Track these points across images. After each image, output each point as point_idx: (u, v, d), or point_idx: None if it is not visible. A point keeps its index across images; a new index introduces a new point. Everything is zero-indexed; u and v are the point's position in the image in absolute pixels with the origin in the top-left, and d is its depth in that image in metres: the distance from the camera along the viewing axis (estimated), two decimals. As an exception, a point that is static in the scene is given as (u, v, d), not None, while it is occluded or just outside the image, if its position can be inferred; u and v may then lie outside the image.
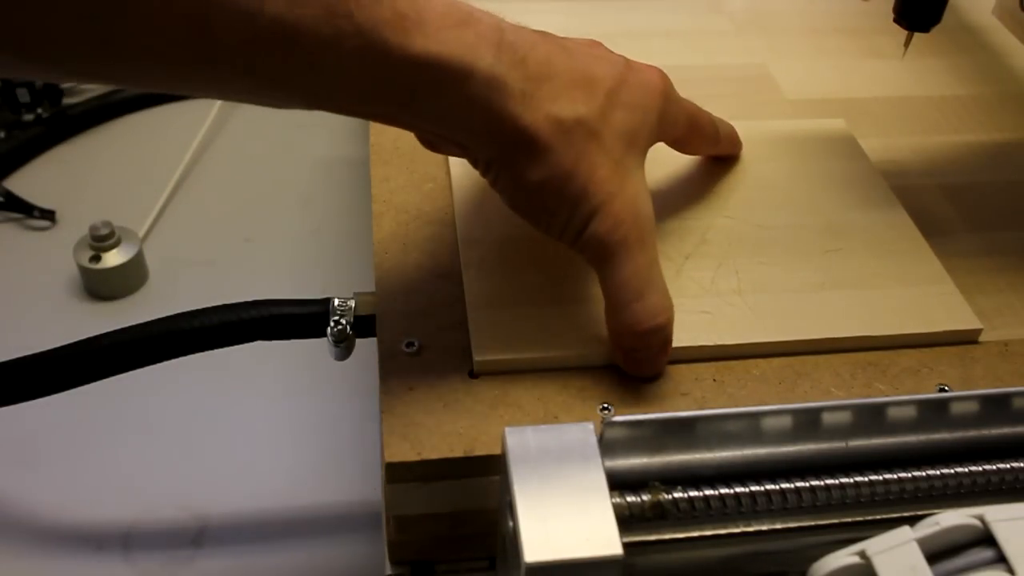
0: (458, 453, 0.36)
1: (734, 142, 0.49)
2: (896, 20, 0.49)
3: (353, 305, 0.44)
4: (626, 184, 0.38)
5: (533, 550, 0.29)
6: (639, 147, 0.39)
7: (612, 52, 0.41)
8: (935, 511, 0.31)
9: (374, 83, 0.34)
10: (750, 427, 0.34)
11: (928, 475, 0.34)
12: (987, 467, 0.34)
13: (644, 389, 0.39)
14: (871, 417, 0.34)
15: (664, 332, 0.38)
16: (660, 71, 0.41)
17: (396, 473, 0.35)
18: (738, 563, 0.34)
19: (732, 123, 0.48)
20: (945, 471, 0.34)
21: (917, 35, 0.50)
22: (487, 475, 0.36)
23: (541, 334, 0.40)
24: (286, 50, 0.32)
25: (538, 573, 0.29)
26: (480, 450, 0.36)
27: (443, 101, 0.35)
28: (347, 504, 0.50)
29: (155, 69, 0.33)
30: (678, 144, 0.45)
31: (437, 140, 0.39)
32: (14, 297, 0.61)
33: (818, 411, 0.34)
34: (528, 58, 0.36)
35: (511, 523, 0.31)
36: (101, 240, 0.60)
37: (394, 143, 0.50)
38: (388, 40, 0.33)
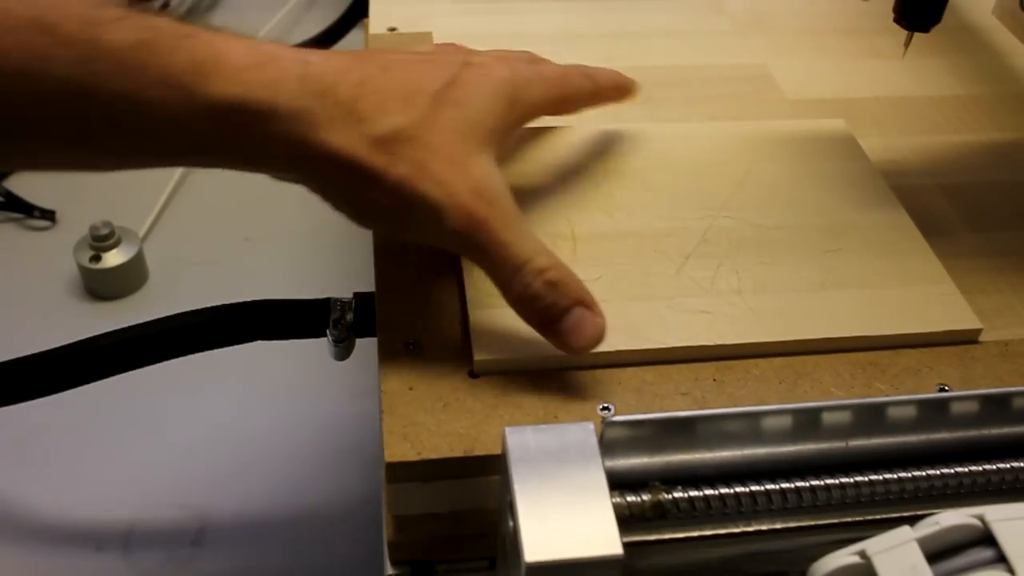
0: (458, 453, 0.36)
1: (620, 88, 0.48)
2: (896, 20, 0.49)
3: (353, 305, 0.44)
4: (467, 173, 0.37)
5: (533, 550, 0.29)
6: (479, 138, 0.38)
7: (457, 54, 0.41)
8: (935, 511, 0.31)
9: (181, 132, 0.35)
10: (750, 427, 0.34)
11: (928, 475, 0.34)
12: (987, 467, 0.34)
13: (644, 389, 0.39)
14: (871, 417, 0.34)
15: (560, 287, 0.37)
16: (506, 63, 0.41)
17: (396, 473, 0.35)
18: (738, 563, 0.34)
19: (732, 123, 0.48)
20: (945, 471, 0.34)
21: (917, 35, 0.50)
22: (487, 475, 0.36)
23: (541, 334, 0.40)
24: (81, 108, 0.33)
25: (538, 573, 0.29)
26: (480, 450, 0.36)
27: (254, 142, 0.36)
28: (347, 504, 0.50)
29: None
30: (556, 113, 0.45)
31: (275, 178, 0.39)
32: (14, 297, 0.61)
33: (818, 411, 0.34)
34: (338, 84, 0.36)
35: (511, 523, 0.31)
36: (101, 240, 0.60)
37: (394, 143, 0.50)
38: (188, 87, 0.34)
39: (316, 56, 0.37)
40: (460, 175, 0.37)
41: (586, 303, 0.38)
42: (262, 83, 0.35)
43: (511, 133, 0.41)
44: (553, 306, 0.37)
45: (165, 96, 0.33)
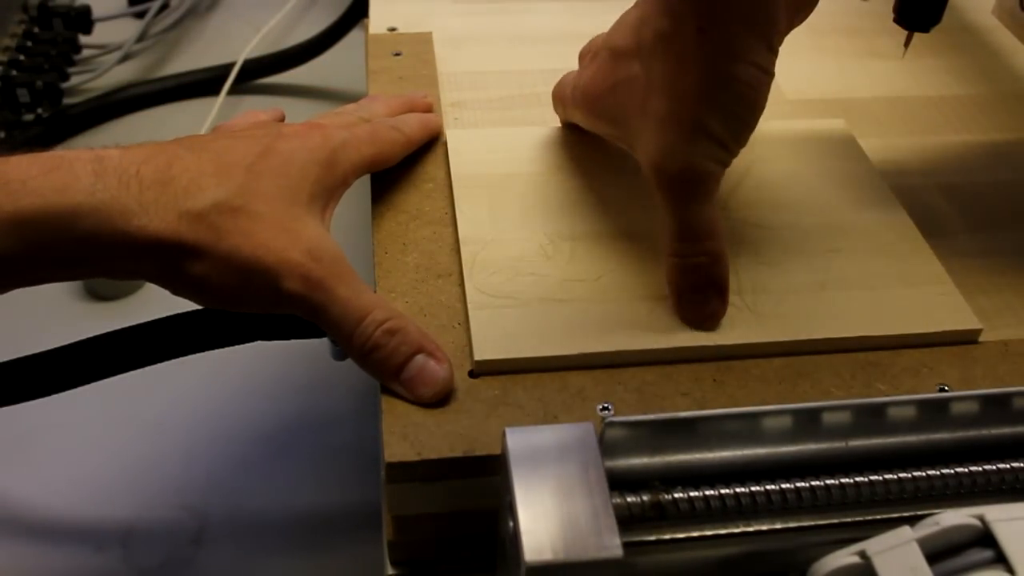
0: (458, 453, 0.36)
1: (429, 131, 0.49)
2: (896, 20, 0.49)
3: (353, 305, 0.44)
4: (297, 236, 0.38)
5: (533, 550, 0.29)
6: (303, 202, 0.39)
7: (266, 128, 0.42)
8: (935, 511, 0.31)
9: None
10: (750, 427, 0.34)
11: (928, 475, 0.34)
12: (987, 467, 0.34)
13: (644, 389, 0.39)
14: (871, 417, 0.34)
15: (400, 334, 0.38)
16: (318, 130, 0.42)
17: (396, 473, 0.35)
18: (738, 563, 0.34)
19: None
20: (945, 471, 0.34)
21: (917, 35, 0.50)
22: (487, 475, 0.36)
23: (541, 334, 0.40)
24: None
25: (538, 573, 0.29)
26: (480, 450, 0.36)
27: (66, 248, 0.35)
28: (347, 504, 0.50)
29: None
30: (374, 169, 0.45)
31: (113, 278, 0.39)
32: (14, 297, 0.60)
33: (818, 411, 0.34)
34: (141, 171, 0.36)
35: (511, 523, 0.31)
36: (101, 240, 0.60)
37: (394, 143, 0.50)
38: None
39: (112, 151, 0.37)
40: (290, 239, 0.38)
41: (427, 350, 0.38)
42: (54, 188, 0.35)
43: (334, 197, 0.41)
44: (394, 354, 0.37)
45: None
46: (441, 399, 0.37)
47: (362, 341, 0.38)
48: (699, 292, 0.40)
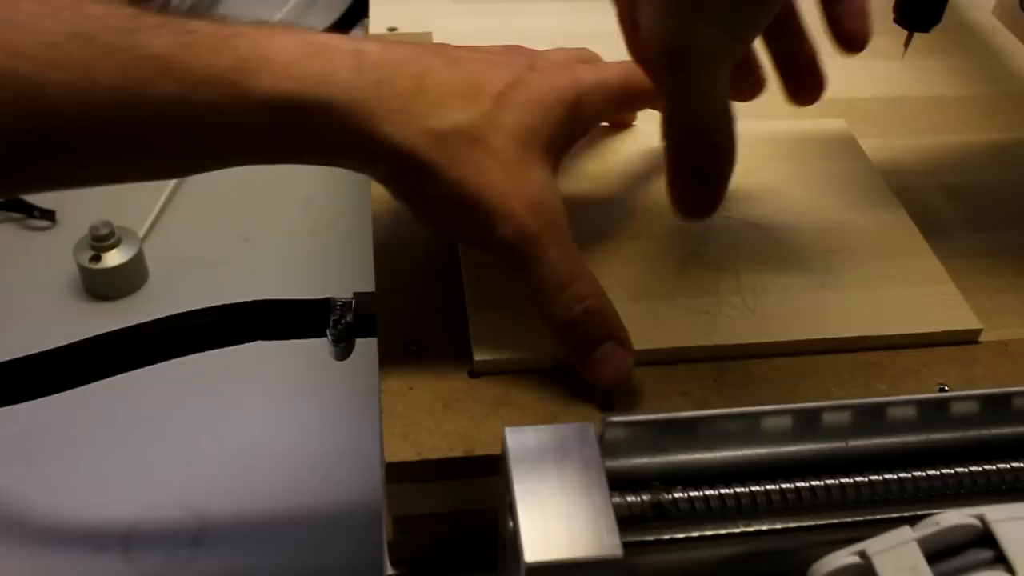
0: (458, 453, 0.36)
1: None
2: (896, 20, 0.49)
3: (353, 305, 0.44)
4: (526, 184, 0.37)
5: (533, 550, 0.29)
6: (539, 145, 0.38)
7: (522, 55, 0.40)
8: (935, 511, 0.31)
9: (234, 131, 0.34)
10: (750, 427, 0.34)
11: (928, 475, 0.34)
12: (987, 467, 0.34)
13: (644, 389, 0.39)
14: (871, 417, 0.34)
15: (599, 317, 0.37)
16: (572, 81, 0.40)
17: (396, 473, 0.35)
18: (738, 563, 0.34)
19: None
20: (945, 471, 0.34)
21: (917, 35, 0.50)
22: (487, 475, 0.35)
23: (541, 334, 0.40)
24: (132, 115, 0.33)
25: (538, 573, 0.29)
26: (480, 450, 0.36)
27: (309, 135, 0.35)
28: (347, 504, 0.50)
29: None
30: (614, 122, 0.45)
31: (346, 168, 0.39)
32: (14, 297, 0.61)
33: (818, 411, 0.34)
34: (396, 76, 0.36)
35: (511, 523, 0.31)
36: (101, 240, 0.60)
37: (394, 143, 0.50)
38: (236, 86, 0.33)
39: (372, 45, 0.36)
40: (517, 185, 0.37)
41: (618, 338, 0.38)
42: (313, 76, 0.34)
43: (570, 145, 0.40)
44: (588, 336, 0.37)
45: (213, 96, 0.33)
46: (441, 403, 0.37)
47: (560, 310, 0.37)
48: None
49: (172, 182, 0.68)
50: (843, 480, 0.34)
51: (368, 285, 0.43)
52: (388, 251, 0.44)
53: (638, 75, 0.42)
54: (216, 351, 0.45)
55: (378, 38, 0.37)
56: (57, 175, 0.35)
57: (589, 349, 0.37)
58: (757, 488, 0.33)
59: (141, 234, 0.63)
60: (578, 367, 0.38)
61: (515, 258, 0.37)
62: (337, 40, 0.36)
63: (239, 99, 0.33)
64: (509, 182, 0.37)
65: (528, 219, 0.36)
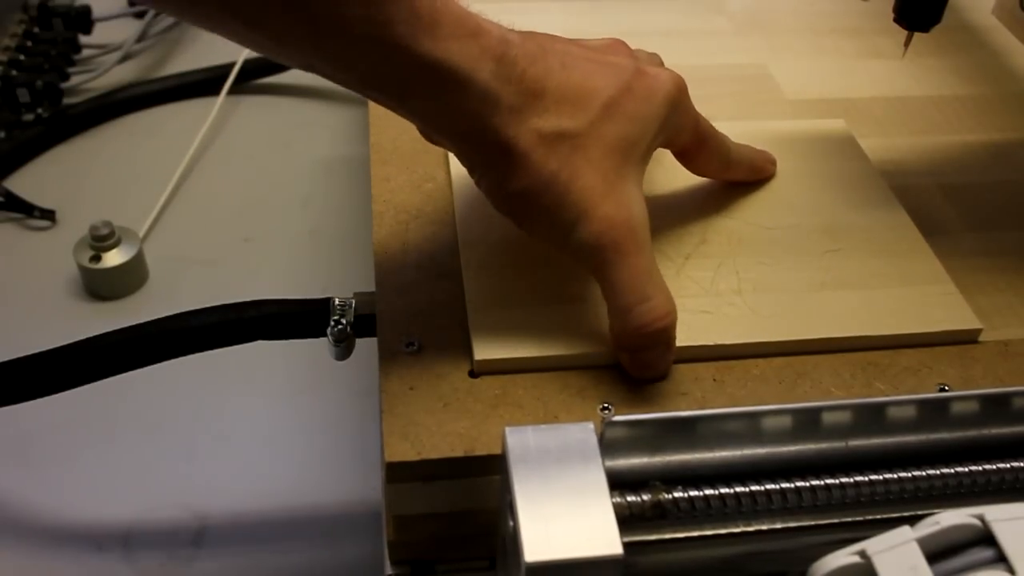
0: (458, 453, 0.36)
1: (753, 168, 0.48)
2: (896, 20, 0.49)
3: (353, 305, 0.44)
4: (616, 191, 0.38)
5: (533, 550, 0.29)
6: (636, 156, 0.39)
7: (627, 57, 0.41)
8: (935, 511, 0.31)
9: (373, 71, 0.35)
10: (750, 427, 0.34)
11: (928, 475, 0.34)
12: (987, 467, 0.34)
13: (644, 389, 0.39)
14: (871, 417, 0.34)
15: (668, 333, 0.39)
16: (675, 78, 0.41)
17: (396, 473, 0.35)
18: (738, 563, 0.34)
19: (732, 123, 0.48)
20: (945, 471, 0.34)
21: (917, 35, 0.50)
22: (487, 475, 0.36)
23: (541, 334, 0.40)
24: (294, 21, 0.33)
25: (538, 573, 0.29)
26: (480, 450, 0.36)
27: (436, 104, 0.36)
28: (347, 504, 0.50)
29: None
30: (685, 158, 0.45)
31: (429, 134, 0.40)
32: (14, 297, 0.60)
33: (818, 411, 0.34)
34: (526, 73, 0.37)
35: (511, 523, 0.31)
36: (101, 240, 0.60)
37: (394, 143, 0.50)
38: (397, 36, 0.34)
39: (515, 37, 0.38)
40: (608, 191, 0.38)
41: (671, 345, 0.39)
42: (466, 55, 0.35)
43: (654, 149, 0.41)
44: (651, 346, 0.38)
45: (372, 35, 0.34)
46: (441, 403, 0.37)
47: (635, 325, 0.38)
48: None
49: (172, 182, 0.68)
50: (843, 480, 0.34)
51: (368, 285, 0.43)
52: (388, 251, 0.44)
53: (718, 133, 0.45)
54: (216, 351, 0.45)
55: (515, 30, 0.38)
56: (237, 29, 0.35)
57: (644, 352, 0.39)
58: (757, 488, 0.33)
59: (141, 234, 0.63)
60: (626, 363, 0.39)
61: (596, 261, 0.38)
62: (491, 25, 0.37)
63: (395, 48, 0.34)
64: (601, 187, 0.38)
65: (614, 224, 0.38)
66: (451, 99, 0.36)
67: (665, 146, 0.43)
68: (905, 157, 0.52)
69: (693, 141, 0.44)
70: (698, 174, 0.47)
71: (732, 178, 0.48)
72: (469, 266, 0.43)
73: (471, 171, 0.39)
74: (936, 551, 0.30)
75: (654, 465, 0.33)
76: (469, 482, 0.36)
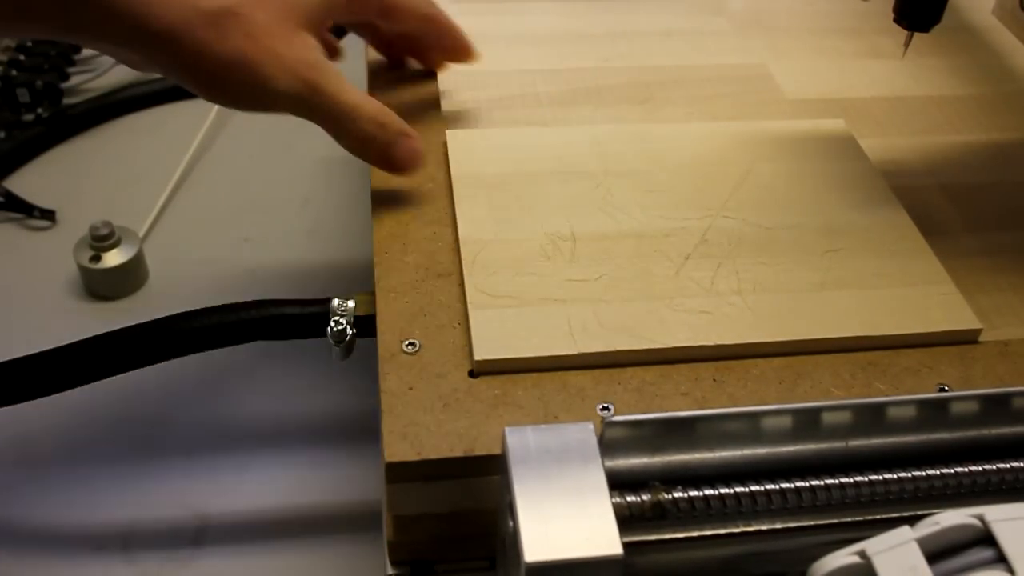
0: (458, 453, 0.36)
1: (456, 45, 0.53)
2: (896, 20, 0.49)
3: (353, 305, 0.44)
4: (292, 45, 0.42)
5: (533, 550, 0.29)
6: (299, 19, 0.43)
7: None
8: (935, 511, 0.31)
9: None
10: (750, 427, 0.34)
11: (928, 475, 0.34)
12: (987, 467, 0.34)
13: (644, 389, 0.39)
14: (871, 417, 0.34)
15: (387, 126, 0.44)
16: None
17: (396, 473, 0.35)
18: (738, 563, 0.34)
19: (732, 123, 0.48)
20: (945, 471, 0.34)
21: (917, 35, 0.50)
22: (487, 475, 0.36)
23: (541, 334, 0.40)
24: None
25: (538, 573, 0.29)
26: (480, 450, 0.36)
27: (93, 15, 0.39)
28: (347, 504, 0.50)
29: None
30: (395, 46, 0.52)
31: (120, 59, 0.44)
32: (14, 297, 0.60)
33: (818, 411, 0.34)
34: None
35: (511, 523, 0.31)
36: (101, 240, 0.60)
37: (394, 143, 0.50)
38: None
39: None
40: (287, 47, 0.42)
41: (406, 133, 0.45)
42: None
43: (328, 21, 0.46)
44: (385, 140, 0.45)
45: None
46: (441, 403, 0.37)
47: (358, 134, 0.44)
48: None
49: (172, 182, 0.68)
50: (843, 480, 0.34)
51: (368, 285, 0.43)
52: (388, 251, 0.44)
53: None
54: (216, 351, 0.44)
55: None
56: None
57: (388, 150, 0.45)
58: (757, 488, 0.33)
59: (141, 234, 0.63)
60: (384, 169, 0.45)
61: (305, 105, 0.43)
62: None
63: None
64: (280, 47, 0.42)
65: (305, 71, 0.42)
66: (100, 3, 0.38)
67: (348, 16, 0.49)
68: (905, 157, 0.52)
69: (380, 11, 0.48)
70: (422, 61, 0.54)
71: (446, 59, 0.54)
72: (469, 266, 0.43)
73: (165, 74, 0.42)
74: (936, 551, 0.30)
75: (654, 465, 0.33)
76: (469, 482, 0.36)
